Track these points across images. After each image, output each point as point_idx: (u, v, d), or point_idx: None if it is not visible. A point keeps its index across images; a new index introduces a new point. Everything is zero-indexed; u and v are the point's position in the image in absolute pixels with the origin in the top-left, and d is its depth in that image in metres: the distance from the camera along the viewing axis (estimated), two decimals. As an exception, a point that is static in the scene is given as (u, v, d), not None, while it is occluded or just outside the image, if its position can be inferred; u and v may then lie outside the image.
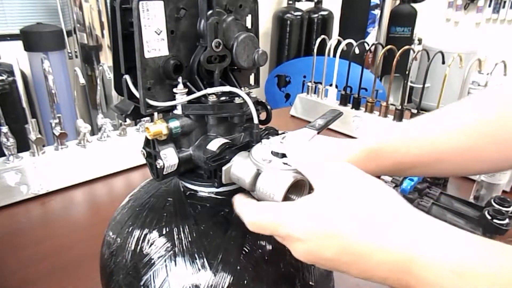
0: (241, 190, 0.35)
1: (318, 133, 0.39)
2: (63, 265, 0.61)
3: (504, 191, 0.78)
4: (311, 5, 2.91)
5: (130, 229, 0.37)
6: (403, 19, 3.05)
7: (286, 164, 0.32)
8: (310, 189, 0.32)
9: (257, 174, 0.32)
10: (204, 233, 0.35)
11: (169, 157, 0.34)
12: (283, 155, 0.33)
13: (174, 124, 0.34)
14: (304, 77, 2.29)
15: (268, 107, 0.40)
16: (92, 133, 0.88)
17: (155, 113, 0.36)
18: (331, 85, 1.23)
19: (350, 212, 0.27)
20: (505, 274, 0.23)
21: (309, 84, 1.28)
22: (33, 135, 0.76)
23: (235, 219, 0.33)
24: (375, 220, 0.26)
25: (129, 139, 0.92)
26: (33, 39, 1.86)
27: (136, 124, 0.97)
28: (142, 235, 0.36)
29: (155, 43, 0.33)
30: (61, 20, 1.99)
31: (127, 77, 0.35)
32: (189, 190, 0.38)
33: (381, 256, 0.26)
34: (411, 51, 1.06)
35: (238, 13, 0.37)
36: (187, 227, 0.35)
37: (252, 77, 0.41)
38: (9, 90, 1.68)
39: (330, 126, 0.40)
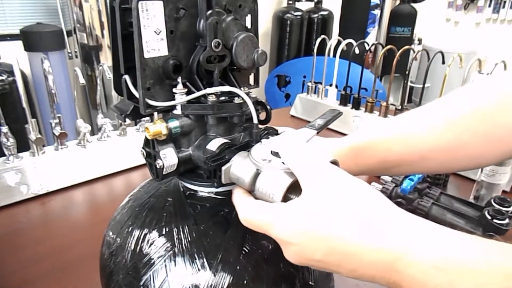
0: (240, 190, 0.35)
1: (317, 133, 0.39)
2: (63, 265, 0.61)
3: (504, 191, 0.78)
4: (311, 5, 2.91)
5: (130, 229, 0.37)
6: (403, 19, 3.05)
7: (285, 164, 0.32)
8: None
9: (257, 174, 0.32)
10: (204, 233, 0.35)
11: (168, 157, 0.34)
12: None
13: (174, 124, 0.34)
14: (304, 77, 2.29)
15: (268, 107, 0.40)
16: (92, 133, 0.88)
17: (155, 113, 0.36)
18: (331, 85, 1.23)
19: (337, 213, 0.27)
20: (491, 268, 0.23)
21: (309, 84, 1.28)
22: (33, 135, 0.76)
23: (235, 219, 0.33)
24: (362, 221, 0.27)
25: (129, 139, 0.92)
26: (33, 39, 1.86)
27: (136, 124, 0.97)
28: (142, 235, 0.36)
29: (154, 43, 0.33)
30: (61, 20, 1.99)
31: (126, 77, 0.35)
32: (188, 190, 0.38)
33: (368, 256, 0.26)
34: (411, 51, 1.06)
35: (238, 13, 0.37)
36: (186, 227, 0.35)
37: (251, 77, 0.41)
38: (9, 90, 1.68)
39: (330, 126, 0.40)
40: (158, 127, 0.33)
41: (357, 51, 1.11)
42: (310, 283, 0.37)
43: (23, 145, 0.78)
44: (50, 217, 0.76)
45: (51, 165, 0.80)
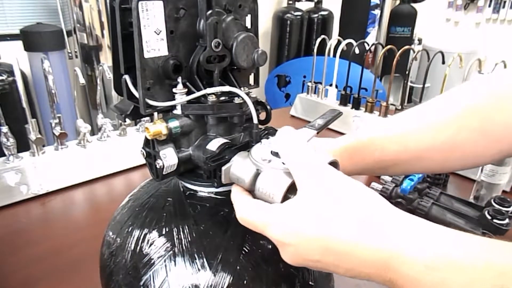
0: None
1: (317, 133, 0.39)
2: (63, 265, 0.61)
3: (504, 191, 0.78)
4: (311, 5, 2.91)
5: (130, 229, 0.37)
6: (403, 19, 3.05)
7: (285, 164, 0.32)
8: None
9: (257, 174, 0.32)
10: (204, 233, 0.35)
11: (168, 157, 0.34)
12: None
13: (174, 124, 0.34)
14: (304, 77, 2.29)
15: (268, 107, 0.40)
16: (92, 133, 0.88)
17: (155, 113, 0.36)
18: (331, 85, 1.23)
19: (332, 214, 0.28)
20: (483, 266, 0.23)
21: (309, 84, 1.28)
22: (33, 135, 0.76)
23: (235, 219, 0.33)
24: (357, 220, 0.27)
25: (129, 139, 0.92)
26: (33, 39, 1.86)
27: (136, 124, 0.97)
28: (142, 235, 0.36)
29: (154, 43, 0.33)
30: (61, 20, 1.99)
31: (126, 77, 0.35)
32: (188, 190, 0.38)
33: (364, 255, 0.27)
34: (411, 51, 1.06)
35: (238, 13, 0.37)
36: (186, 227, 0.35)
37: (251, 77, 0.41)
38: (9, 90, 1.68)
39: (330, 126, 0.40)
40: (158, 127, 0.33)
41: (357, 51, 1.11)
42: (310, 283, 0.37)
43: (23, 145, 0.78)
44: (50, 217, 0.76)
45: (51, 165, 0.80)
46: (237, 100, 0.35)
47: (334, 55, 1.17)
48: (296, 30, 2.80)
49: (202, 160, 0.35)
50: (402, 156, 0.42)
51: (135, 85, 0.34)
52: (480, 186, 0.75)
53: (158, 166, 0.34)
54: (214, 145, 0.35)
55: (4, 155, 0.76)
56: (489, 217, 0.61)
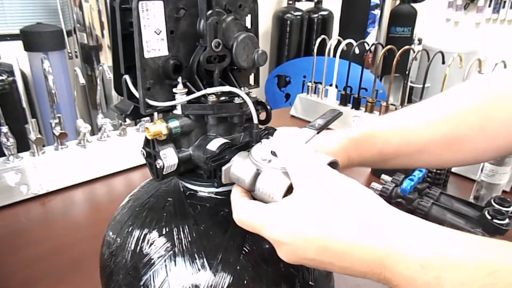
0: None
1: (318, 133, 0.39)
2: (63, 265, 0.61)
3: (504, 191, 0.78)
4: (311, 5, 2.91)
5: (130, 229, 0.37)
6: (403, 19, 3.04)
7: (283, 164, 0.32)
8: None
9: (257, 174, 0.32)
10: (204, 233, 0.35)
11: (168, 157, 0.34)
12: None
13: (174, 124, 0.34)
14: (304, 77, 2.29)
15: (268, 107, 0.40)
16: (92, 133, 0.88)
17: (155, 113, 0.36)
18: (331, 85, 1.23)
19: (328, 213, 0.28)
20: (477, 264, 0.23)
21: (309, 84, 1.28)
22: (33, 135, 0.76)
23: (235, 219, 0.33)
24: (352, 219, 0.27)
25: (129, 139, 0.92)
26: (33, 39, 1.86)
27: (136, 124, 0.97)
28: (142, 235, 0.36)
29: (154, 43, 0.33)
30: (61, 20, 1.99)
31: (126, 77, 0.35)
32: (189, 190, 0.38)
33: (359, 254, 0.27)
34: (411, 51, 1.06)
35: (238, 13, 0.37)
36: (187, 227, 0.35)
37: (252, 77, 0.41)
38: (9, 90, 1.68)
39: (330, 126, 0.40)
40: (158, 127, 0.33)
41: (357, 51, 1.11)
42: (310, 283, 0.37)
43: (23, 145, 0.79)
44: (50, 217, 0.76)
45: (51, 165, 0.80)
46: (237, 100, 0.35)
47: (334, 55, 1.17)
48: (296, 30, 2.80)
49: (202, 160, 0.35)
50: (403, 148, 0.43)
51: (135, 85, 0.34)
52: (480, 186, 0.75)
53: (158, 166, 0.34)
54: (214, 145, 0.35)
55: (4, 155, 0.76)
56: (489, 217, 0.61)
